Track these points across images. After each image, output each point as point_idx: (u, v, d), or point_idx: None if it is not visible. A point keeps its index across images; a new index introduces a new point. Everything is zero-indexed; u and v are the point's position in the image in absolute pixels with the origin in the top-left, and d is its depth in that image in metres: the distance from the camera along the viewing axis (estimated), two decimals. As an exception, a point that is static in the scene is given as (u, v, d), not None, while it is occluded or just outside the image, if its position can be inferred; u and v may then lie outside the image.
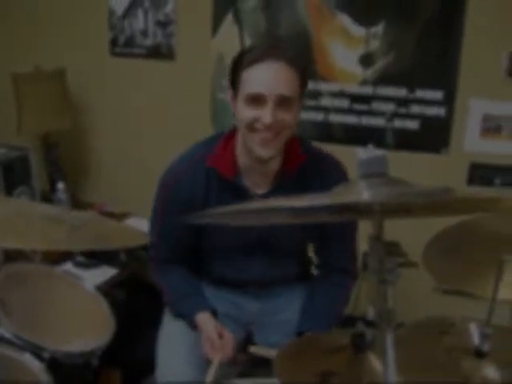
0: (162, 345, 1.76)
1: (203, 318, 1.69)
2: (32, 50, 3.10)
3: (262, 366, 1.61)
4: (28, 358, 1.45)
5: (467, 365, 1.14)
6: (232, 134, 1.66)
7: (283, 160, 1.64)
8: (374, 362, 1.15)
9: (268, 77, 1.47)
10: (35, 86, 2.84)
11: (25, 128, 2.75)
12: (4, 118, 2.90)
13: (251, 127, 1.51)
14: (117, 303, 1.86)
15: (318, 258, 1.86)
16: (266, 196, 1.64)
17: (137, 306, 1.97)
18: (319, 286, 1.80)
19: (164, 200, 1.71)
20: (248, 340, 1.81)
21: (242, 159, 1.63)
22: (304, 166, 1.64)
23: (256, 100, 1.48)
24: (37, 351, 1.50)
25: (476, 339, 1.18)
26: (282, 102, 1.48)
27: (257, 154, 1.54)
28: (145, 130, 3.05)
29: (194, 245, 1.76)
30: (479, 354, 1.16)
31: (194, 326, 1.70)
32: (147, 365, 1.75)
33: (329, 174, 1.64)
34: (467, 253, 1.23)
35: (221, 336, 1.64)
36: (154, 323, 1.87)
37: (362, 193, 0.83)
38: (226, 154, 1.63)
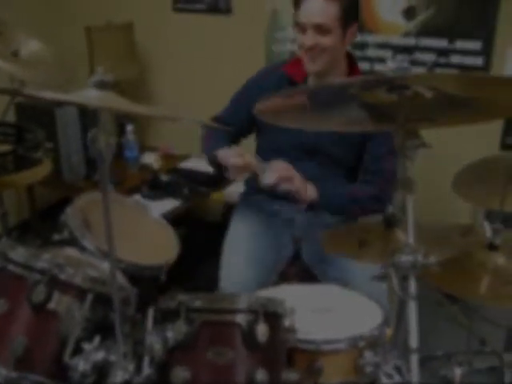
0: (227, 246, 2.04)
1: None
2: (103, 7, 3.38)
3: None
4: (107, 267, 1.68)
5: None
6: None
7: (346, 75, 1.99)
8: (400, 235, 1.45)
9: (308, 8, 1.85)
10: (106, 38, 3.12)
11: (96, 77, 3.05)
12: (77, 68, 3.19)
13: (301, 48, 1.92)
14: (179, 238, 2.04)
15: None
16: None
17: (197, 240, 2.18)
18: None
19: (243, 87, 2.14)
20: (297, 255, 2.05)
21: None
22: None
23: (301, 28, 1.88)
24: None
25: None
26: (319, 28, 1.84)
27: (307, 68, 1.94)
28: (202, 79, 3.30)
29: (243, 135, 2.17)
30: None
31: (217, 162, 1.98)
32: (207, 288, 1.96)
33: None
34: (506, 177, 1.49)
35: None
36: (214, 254, 2.10)
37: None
38: (297, 64, 1.99)
